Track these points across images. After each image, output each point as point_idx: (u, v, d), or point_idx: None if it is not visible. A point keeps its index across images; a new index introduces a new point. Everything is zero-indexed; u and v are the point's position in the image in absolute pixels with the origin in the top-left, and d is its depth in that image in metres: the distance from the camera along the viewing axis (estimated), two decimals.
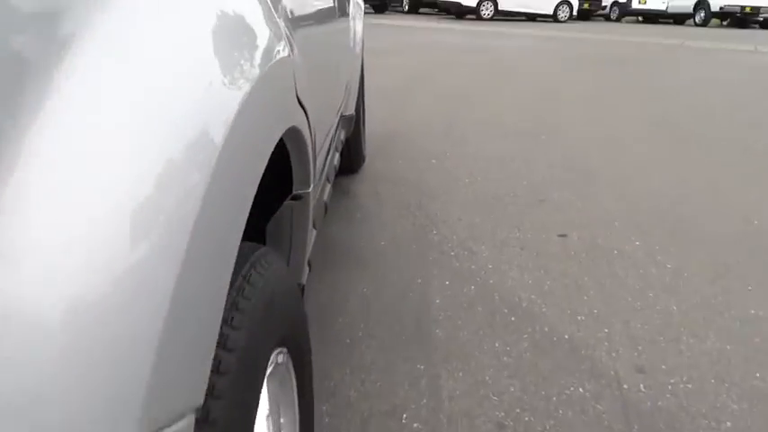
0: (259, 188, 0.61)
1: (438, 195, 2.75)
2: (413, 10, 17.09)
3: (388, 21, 13.59)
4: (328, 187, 1.69)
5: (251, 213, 0.59)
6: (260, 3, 0.69)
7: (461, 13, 15.58)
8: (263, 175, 0.63)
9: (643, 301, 1.87)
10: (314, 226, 1.35)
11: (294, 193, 0.90)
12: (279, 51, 0.69)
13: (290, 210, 0.92)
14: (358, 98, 2.79)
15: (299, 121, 0.78)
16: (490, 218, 2.50)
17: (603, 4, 18.22)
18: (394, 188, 2.83)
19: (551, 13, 15.96)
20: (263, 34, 0.66)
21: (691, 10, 16.72)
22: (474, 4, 15.23)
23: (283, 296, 0.73)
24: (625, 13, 17.93)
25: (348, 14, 2.50)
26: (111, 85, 0.42)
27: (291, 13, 0.92)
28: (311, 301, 1.82)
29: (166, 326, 0.40)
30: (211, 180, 0.47)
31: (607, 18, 18.42)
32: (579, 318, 1.78)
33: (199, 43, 0.54)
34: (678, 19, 17.51)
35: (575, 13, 16.27)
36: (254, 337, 0.59)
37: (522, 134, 3.88)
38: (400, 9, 17.31)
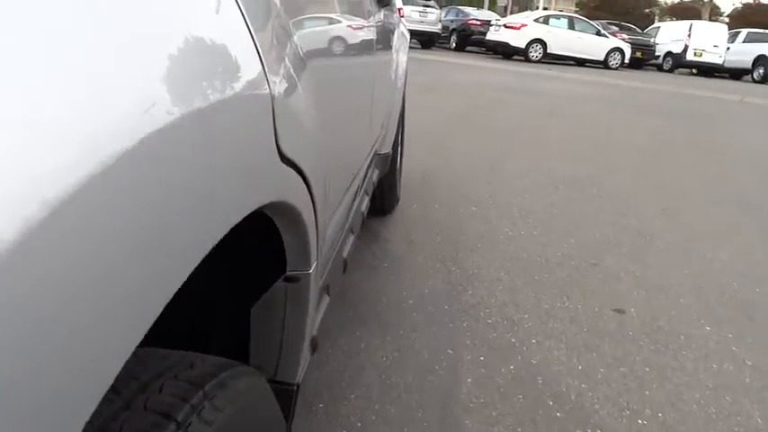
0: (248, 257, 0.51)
1: (476, 248, 2.47)
2: (460, 47, 17.01)
3: (434, 57, 13.51)
4: (351, 240, 1.44)
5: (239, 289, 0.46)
6: (227, 23, 0.47)
7: (509, 53, 15.42)
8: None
9: (718, 407, 1.54)
10: (327, 293, 1.09)
11: (288, 273, 0.65)
12: (246, 92, 0.48)
13: (284, 292, 0.67)
14: (396, 135, 2.56)
15: (286, 190, 0.55)
16: (534, 281, 2.21)
17: (656, 53, 17.83)
18: (428, 236, 2.57)
19: (602, 59, 15.66)
20: (208, 69, 0.43)
21: (749, 65, 16.20)
22: (523, 46, 15.06)
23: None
24: (679, 64, 17.49)
25: (391, 47, 2.29)
26: None
27: (300, 42, 0.70)
28: (322, 367, 1.56)
29: None
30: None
31: (659, 68, 18.00)
32: (640, 422, 1.46)
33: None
34: (735, 74, 16.99)
35: (626, 60, 15.93)
36: None
37: (572, 185, 3.58)
38: (447, 46, 17.26)
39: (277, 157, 0.52)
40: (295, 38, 0.69)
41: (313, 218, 0.64)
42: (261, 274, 0.66)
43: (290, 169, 0.55)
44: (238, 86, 0.45)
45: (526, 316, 1.94)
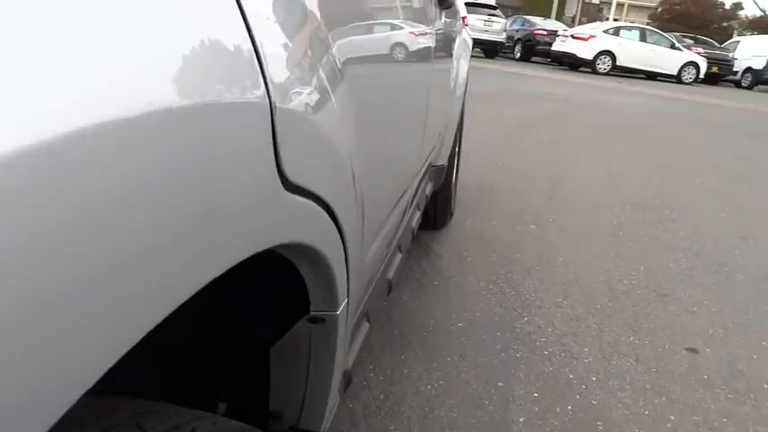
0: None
1: (534, 270, 2.31)
2: (524, 58, 16.65)
3: (497, 66, 13.27)
4: (398, 259, 1.33)
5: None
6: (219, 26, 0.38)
7: (575, 64, 14.97)
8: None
9: None
10: (367, 319, 0.99)
11: (311, 314, 0.55)
12: (234, 107, 0.38)
13: (307, 333, 0.57)
14: (453, 146, 2.44)
15: (297, 227, 0.45)
16: (597, 310, 2.03)
17: (735, 69, 16.89)
18: (482, 254, 2.43)
19: (675, 73, 14.96)
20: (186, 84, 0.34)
21: None
22: (590, 57, 14.58)
23: None
24: (759, 81, 16.48)
25: (452, 55, 2.17)
26: None
27: (338, 52, 0.60)
28: (361, 392, 1.46)
29: None
30: None
31: (737, 85, 17.02)
32: None
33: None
34: None
35: (701, 75, 15.17)
36: None
37: (641, 207, 3.35)
38: (511, 56, 16.94)
39: (279, 185, 0.42)
40: (334, 48, 0.60)
41: (342, 254, 0.53)
42: (282, 312, 0.57)
43: (305, 199, 0.45)
44: (228, 99, 0.36)
45: (586, 350, 1.77)
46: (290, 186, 0.44)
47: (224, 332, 0.60)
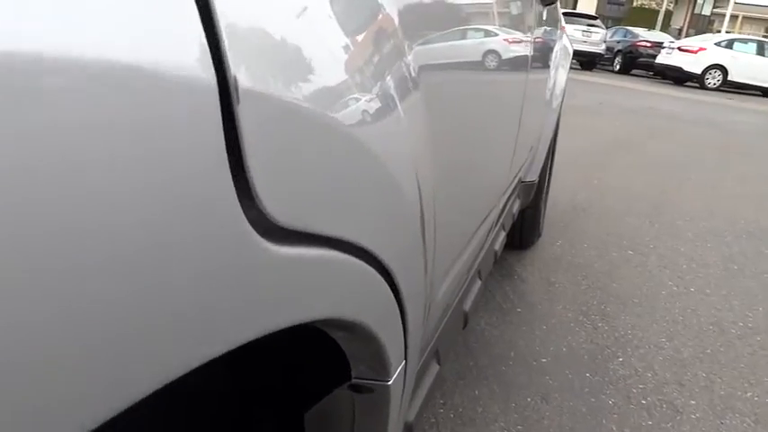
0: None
1: (631, 303, 2.07)
2: (624, 70, 15.81)
3: (595, 79, 12.66)
4: (477, 287, 1.18)
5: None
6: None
7: (681, 79, 14.01)
8: None
9: None
10: (436, 360, 0.85)
11: (353, 381, 0.42)
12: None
13: (349, 402, 0.44)
14: (546, 161, 2.24)
15: (318, 298, 0.31)
16: (706, 355, 1.77)
17: None
18: (572, 281, 2.21)
19: None
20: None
21: None
22: (698, 71, 13.59)
23: None
24: None
25: (550, 63, 2.00)
26: None
27: (415, 61, 0.48)
28: (429, 431, 1.31)
29: None
30: None
31: None
32: None
33: None
34: None
35: None
36: None
37: (757, 237, 2.98)
38: (610, 68, 16.14)
39: (260, 243, 0.27)
40: (409, 56, 0.49)
41: (397, 318, 0.40)
42: (319, 370, 0.44)
43: (320, 250, 0.31)
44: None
45: (693, 402, 1.53)
46: (285, 235, 0.28)
47: (253, 389, 0.48)
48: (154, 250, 0.22)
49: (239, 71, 0.26)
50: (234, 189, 0.26)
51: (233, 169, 0.26)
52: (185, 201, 0.24)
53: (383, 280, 0.39)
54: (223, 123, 0.25)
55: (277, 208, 0.28)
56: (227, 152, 0.25)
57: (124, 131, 0.21)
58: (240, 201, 0.26)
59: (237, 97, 0.26)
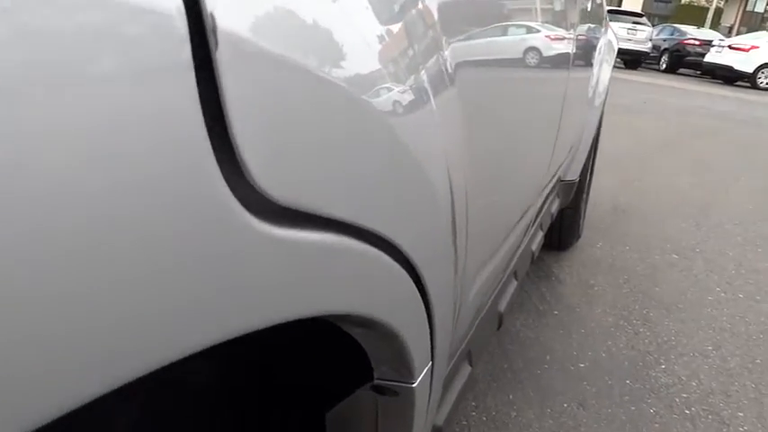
0: None
1: (674, 308, 1.99)
2: (670, 69, 15.31)
3: (640, 78, 12.31)
4: (512, 288, 1.14)
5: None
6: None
7: (731, 78, 13.49)
8: None
9: None
10: (468, 361, 0.82)
11: (375, 382, 0.40)
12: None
13: (372, 404, 0.42)
14: (587, 160, 2.18)
15: (358, 294, 0.29)
16: (756, 366, 1.68)
17: None
18: (612, 284, 2.14)
19: None
20: None
21: None
22: (750, 70, 13.05)
23: None
24: None
25: (593, 60, 1.94)
26: None
27: (451, 57, 0.47)
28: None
29: None
30: None
31: None
32: None
33: None
34: None
35: None
36: None
37: None
38: (656, 67, 15.66)
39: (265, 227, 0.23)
40: (445, 52, 0.47)
41: (422, 316, 0.37)
42: (342, 368, 0.42)
43: (345, 238, 0.27)
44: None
45: (741, 414, 1.46)
46: (284, 214, 0.25)
47: (275, 387, 0.47)
48: (122, 232, 0.19)
49: (217, 7, 0.21)
50: (213, 157, 0.22)
51: (212, 133, 0.21)
52: (155, 173, 0.20)
53: (407, 275, 0.36)
54: (195, 72, 0.21)
55: (272, 183, 0.24)
56: (204, 112, 0.21)
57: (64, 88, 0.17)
58: (223, 172, 0.22)
59: (216, 41, 0.21)
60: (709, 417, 1.43)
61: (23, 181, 0.16)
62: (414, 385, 0.41)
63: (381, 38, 0.36)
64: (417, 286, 0.38)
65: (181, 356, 0.21)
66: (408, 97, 0.38)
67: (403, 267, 0.35)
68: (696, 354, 1.72)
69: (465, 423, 1.33)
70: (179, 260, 0.21)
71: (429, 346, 0.42)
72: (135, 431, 0.44)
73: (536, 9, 1.03)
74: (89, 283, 0.18)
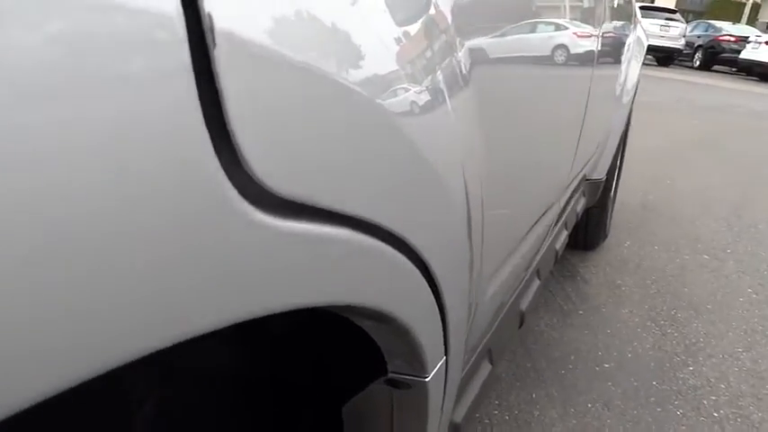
0: None
1: (704, 309, 1.95)
2: (704, 66, 14.95)
3: (673, 75, 12.05)
4: (535, 286, 1.14)
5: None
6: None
7: (767, 75, 13.13)
8: None
9: None
10: (489, 359, 0.83)
11: (390, 376, 0.41)
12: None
13: (387, 397, 0.43)
14: (615, 159, 2.15)
15: (364, 286, 0.30)
16: None
17: None
18: (640, 284, 2.11)
19: None
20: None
21: None
22: None
23: None
24: None
25: (621, 58, 1.91)
26: None
27: (465, 57, 0.47)
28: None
29: None
30: None
31: None
32: None
33: None
34: None
35: None
36: None
37: None
38: (689, 64, 15.31)
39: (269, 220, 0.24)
40: (459, 53, 0.47)
41: (433, 310, 0.38)
42: (358, 360, 0.43)
43: (351, 231, 0.28)
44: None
45: None
46: (284, 206, 0.25)
47: (291, 381, 0.48)
48: (124, 224, 0.20)
49: (214, 7, 0.22)
50: (212, 147, 0.22)
51: (211, 127, 0.22)
52: (154, 164, 0.20)
53: (418, 271, 0.37)
54: (194, 70, 0.21)
55: (271, 173, 0.25)
56: (203, 110, 0.22)
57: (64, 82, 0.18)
58: (221, 161, 0.23)
59: (214, 40, 0.22)
60: (738, 420, 1.41)
61: (24, 174, 0.17)
62: (427, 379, 0.41)
63: (381, 37, 0.36)
64: (429, 282, 0.39)
65: (180, 340, 0.23)
66: (419, 93, 0.38)
67: (414, 263, 0.36)
68: (726, 356, 1.68)
69: (487, 421, 1.33)
70: (180, 245, 0.22)
71: (442, 341, 0.43)
72: (154, 426, 0.46)
73: (559, 6, 1.03)
74: (92, 271, 0.19)
